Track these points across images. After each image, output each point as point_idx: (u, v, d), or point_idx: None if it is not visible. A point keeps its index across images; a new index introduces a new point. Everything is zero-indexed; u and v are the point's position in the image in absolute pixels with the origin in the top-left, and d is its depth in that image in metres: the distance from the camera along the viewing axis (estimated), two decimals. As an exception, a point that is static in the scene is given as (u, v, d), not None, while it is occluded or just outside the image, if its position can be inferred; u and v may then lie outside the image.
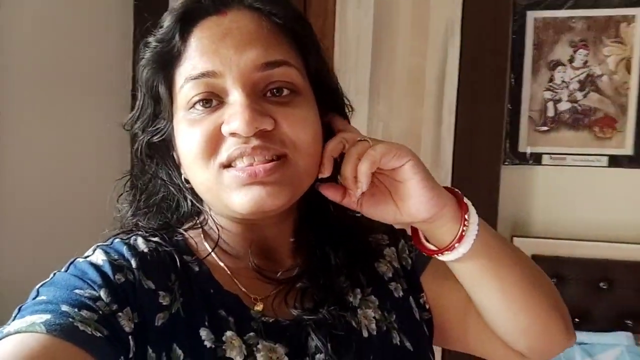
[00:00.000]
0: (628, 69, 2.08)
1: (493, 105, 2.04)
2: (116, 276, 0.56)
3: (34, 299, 0.54)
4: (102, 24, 2.04)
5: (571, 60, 2.12)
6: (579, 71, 2.12)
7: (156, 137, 0.65)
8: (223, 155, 0.58)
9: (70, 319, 0.50)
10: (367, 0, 2.01)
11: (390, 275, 0.73)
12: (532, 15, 2.11)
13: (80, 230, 1.94)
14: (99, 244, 0.62)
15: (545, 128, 2.15)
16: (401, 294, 0.72)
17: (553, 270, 2.00)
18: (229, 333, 0.59)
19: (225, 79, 0.58)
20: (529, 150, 2.15)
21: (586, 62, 2.11)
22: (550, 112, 2.14)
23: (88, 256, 0.60)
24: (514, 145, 2.15)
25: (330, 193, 0.63)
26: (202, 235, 0.67)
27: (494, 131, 2.04)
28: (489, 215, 2.01)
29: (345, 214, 0.70)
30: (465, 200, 0.65)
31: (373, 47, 2.00)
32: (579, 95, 2.12)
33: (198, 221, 0.68)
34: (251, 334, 0.60)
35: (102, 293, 0.54)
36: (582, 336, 1.84)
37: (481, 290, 0.69)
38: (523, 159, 2.15)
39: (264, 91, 0.60)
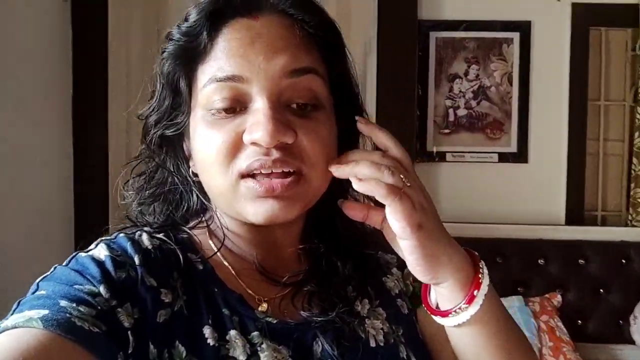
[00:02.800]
0: (510, 81, 2.50)
1: (405, 112, 2.38)
2: (117, 272, 0.55)
3: (33, 293, 0.53)
4: (42, 28, 2.05)
5: (466, 74, 2.51)
6: (472, 83, 2.51)
7: (170, 131, 0.63)
8: (242, 164, 0.57)
9: (68, 315, 0.49)
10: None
11: (397, 291, 0.72)
12: (434, 36, 2.48)
13: (27, 232, 1.98)
14: (102, 238, 0.60)
15: (448, 131, 2.52)
16: (407, 311, 0.71)
17: (458, 250, 2.35)
18: (232, 332, 0.57)
19: (252, 85, 0.56)
20: (435, 149, 2.50)
21: (478, 75, 2.50)
22: (451, 117, 2.52)
23: (90, 250, 0.58)
24: (423, 146, 2.50)
25: (353, 212, 0.60)
26: (207, 234, 0.65)
27: (407, 134, 2.38)
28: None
29: (354, 226, 0.69)
30: (481, 264, 0.63)
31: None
32: (473, 103, 2.51)
33: (204, 219, 0.66)
34: (255, 333, 0.58)
35: (102, 289, 0.53)
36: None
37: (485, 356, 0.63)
38: (431, 157, 2.50)
39: (288, 102, 0.58)
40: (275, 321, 0.60)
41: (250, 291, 0.62)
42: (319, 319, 0.61)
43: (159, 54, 0.63)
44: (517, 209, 2.49)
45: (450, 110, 2.52)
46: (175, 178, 0.65)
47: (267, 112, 0.55)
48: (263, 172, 0.56)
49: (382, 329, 0.65)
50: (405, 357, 0.65)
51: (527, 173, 2.52)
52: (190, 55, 0.60)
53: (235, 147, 0.57)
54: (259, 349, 0.57)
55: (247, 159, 0.57)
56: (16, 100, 1.90)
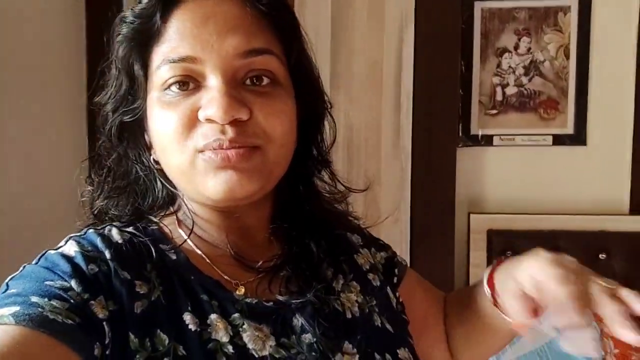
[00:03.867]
0: (567, 55, 2.24)
1: (446, 92, 2.16)
2: (89, 266, 0.55)
3: (3, 292, 0.53)
4: (56, 20, 2.03)
5: (516, 47, 2.26)
6: (523, 57, 2.26)
7: (128, 117, 0.64)
8: (199, 141, 0.58)
9: (40, 309, 0.49)
10: (325, -9, 2.10)
11: (368, 267, 0.76)
12: (479, 6, 2.24)
13: (39, 227, 1.93)
14: (71, 235, 0.61)
15: (495, 111, 2.28)
16: (378, 283, 0.75)
17: (508, 243, 2.14)
18: (213, 316, 0.59)
19: (205, 65, 0.58)
20: (480, 132, 2.28)
21: (529, 48, 2.26)
22: (499, 96, 2.28)
23: (60, 247, 0.59)
24: (467, 128, 2.27)
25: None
26: (176, 223, 0.66)
27: (449, 116, 2.17)
28: (447, 194, 2.14)
29: (321, 207, 0.73)
30: None
31: (332, 39, 2.08)
32: (524, 79, 2.27)
33: (173, 209, 0.67)
34: (235, 315, 0.60)
35: (73, 283, 0.53)
36: (536, 301, 1.98)
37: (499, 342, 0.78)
38: (475, 141, 2.28)
39: (243, 79, 0.59)
40: (254, 302, 0.62)
41: (226, 277, 0.64)
42: (297, 300, 0.64)
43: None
44: (575, 197, 2.24)
45: (498, 89, 2.28)
46: (138, 167, 0.66)
47: (222, 88, 0.57)
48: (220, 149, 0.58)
49: (356, 300, 0.70)
50: (379, 324, 0.70)
51: (586, 157, 2.26)
52: (144, 38, 0.61)
53: (191, 124, 0.58)
54: (240, 329, 0.59)
55: (204, 138, 0.58)
56: (30, 92, 1.86)
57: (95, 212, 0.69)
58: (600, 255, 2.12)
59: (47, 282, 0.53)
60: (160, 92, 0.60)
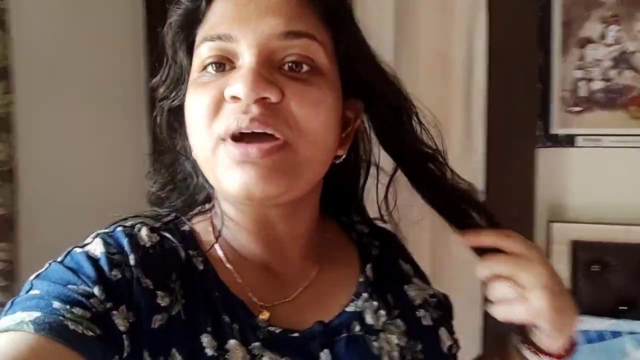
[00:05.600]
0: (663, 44, 2.00)
1: (524, 87, 1.97)
2: (112, 272, 0.54)
3: (27, 291, 0.52)
4: (114, 24, 2.00)
5: (603, 37, 2.04)
6: (611, 48, 2.04)
7: (175, 103, 0.63)
8: (221, 126, 0.55)
9: (61, 317, 0.48)
10: (388, -22, 1.94)
11: (420, 302, 0.69)
12: (559, -9, 2.04)
13: (101, 226, 1.92)
14: (100, 231, 0.59)
15: (578, 108, 2.06)
16: (430, 322, 0.68)
17: (595, 256, 1.93)
18: (232, 341, 0.56)
19: (240, 43, 0.55)
20: (561, 131, 2.07)
21: (619, 38, 2.03)
22: (583, 92, 2.06)
23: (86, 245, 0.57)
24: (546, 127, 2.07)
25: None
26: (209, 225, 0.63)
27: (526, 114, 1.97)
28: (526, 201, 1.94)
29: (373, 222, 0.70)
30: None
31: (395, 27, 1.92)
32: (612, 73, 2.04)
33: (208, 207, 0.65)
34: (256, 344, 0.57)
35: (96, 290, 0.52)
36: (631, 325, 1.76)
37: None
38: (555, 141, 2.07)
39: (280, 63, 0.56)
40: (278, 330, 0.59)
41: (252, 297, 0.60)
42: (329, 328, 0.60)
43: None
44: (673, 205, 1.98)
45: (582, 83, 2.05)
46: (185, 161, 0.65)
47: (251, 66, 0.54)
48: (243, 131, 0.53)
49: (397, 344, 0.63)
50: None
51: (684, 160, 2.00)
52: (190, 21, 0.60)
53: (217, 105, 0.55)
54: None
55: (226, 119, 0.55)
56: (92, 90, 1.85)
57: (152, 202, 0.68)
58: (702, 273, 1.85)
59: (70, 286, 0.51)
60: (197, 74, 0.58)
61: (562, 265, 1.94)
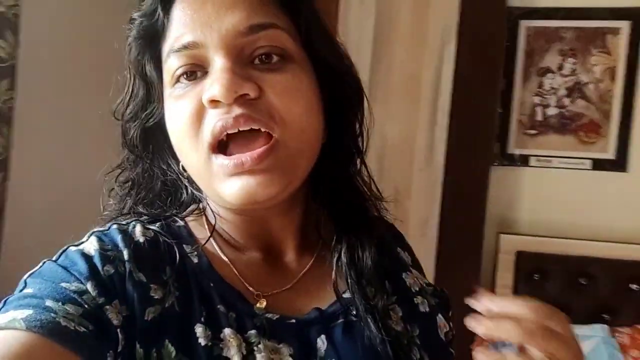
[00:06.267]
0: (612, 78, 2.19)
1: (485, 109, 2.15)
2: (105, 267, 0.53)
3: (20, 290, 0.51)
4: (114, 29, 2.07)
5: (560, 68, 2.22)
6: (567, 78, 2.22)
7: (150, 122, 0.60)
8: (207, 133, 0.53)
9: (53, 314, 0.47)
10: (369, 5, 2.11)
11: (417, 288, 0.67)
12: (524, 24, 2.21)
13: (82, 225, 1.98)
14: (95, 230, 0.58)
15: (534, 132, 2.25)
16: (427, 309, 0.66)
17: (536, 266, 2.12)
18: (227, 330, 0.54)
19: (207, 48, 0.54)
20: (517, 152, 2.25)
21: (574, 70, 2.21)
22: (539, 116, 2.25)
23: (81, 243, 0.56)
24: (503, 147, 2.25)
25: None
26: (203, 221, 0.62)
27: (485, 134, 2.15)
28: (477, 212, 2.13)
29: (362, 209, 0.66)
30: None
31: (372, 51, 2.09)
32: (566, 101, 2.23)
33: (200, 206, 0.63)
34: (252, 331, 0.55)
35: (89, 286, 0.51)
36: (561, 328, 1.96)
37: None
38: (511, 161, 2.26)
39: (250, 58, 0.55)
40: (275, 317, 0.57)
41: (248, 286, 0.59)
42: (326, 314, 0.59)
43: None
44: (611, 224, 2.19)
45: (539, 109, 2.25)
46: (169, 175, 0.62)
47: (223, 66, 0.52)
48: (229, 132, 0.52)
49: (394, 329, 0.61)
50: (418, 359, 0.61)
51: (626, 184, 2.21)
52: (151, 35, 0.58)
53: (199, 114, 0.54)
54: (255, 349, 0.54)
55: (209, 126, 0.53)
56: (89, 98, 1.86)
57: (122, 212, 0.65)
58: (631, 285, 2.07)
59: (63, 284, 0.50)
60: (171, 88, 0.56)
61: (508, 274, 2.15)
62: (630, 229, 2.18)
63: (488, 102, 2.16)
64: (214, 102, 0.52)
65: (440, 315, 0.67)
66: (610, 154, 2.21)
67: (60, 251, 0.55)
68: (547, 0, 2.20)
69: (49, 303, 0.48)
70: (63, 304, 0.48)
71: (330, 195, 0.65)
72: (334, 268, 0.63)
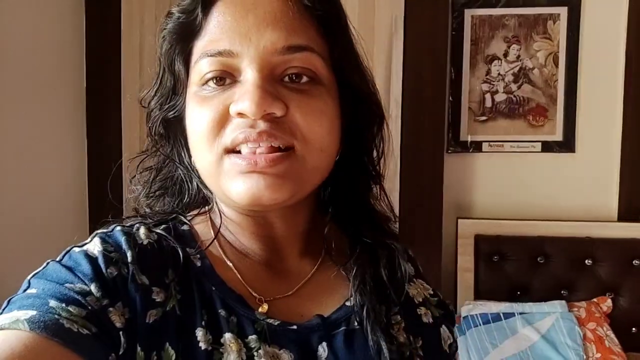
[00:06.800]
0: (556, 63, 2.27)
1: (436, 98, 2.19)
2: (108, 269, 0.53)
3: (24, 290, 0.51)
4: (55, 21, 2.05)
5: (506, 55, 2.29)
6: (512, 64, 2.29)
7: (171, 114, 0.62)
8: (227, 138, 0.55)
9: (57, 316, 0.47)
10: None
11: (420, 300, 0.67)
12: (469, 13, 2.27)
13: (42, 225, 1.98)
14: (99, 231, 0.59)
15: (484, 118, 2.31)
16: (430, 320, 0.66)
17: (495, 248, 2.17)
18: (227, 335, 0.54)
19: (242, 59, 0.55)
20: (469, 138, 2.31)
21: (519, 56, 2.28)
22: (488, 103, 2.31)
23: (85, 244, 0.57)
24: (456, 135, 2.30)
25: None
26: (208, 224, 0.63)
27: (437, 122, 2.19)
28: (435, 200, 2.16)
29: (370, 222, 0.67)
30: None
31: (358, 39, 2.10)
32: (513, 86, 2.29)
33: (207, 209, 0.64)
34: (253, 336, 0.55)
35: (93, 287, 0.51)
36: (522, 307, 2.01)
37: None
38: (464, 147, 2.31)
39: (281, 76, 0.56)
40: (276, 323, 0.57)
41: (251, 290, 0.59)
42: (328, 321, 0.59)
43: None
44: (563, 204, 2.27)
45: (487, 95, 2.31)
46: (179, 167, 0.64)
47: (256, 82, 0.53)
48: (249, 145, 0.54)
49: (396, 339, 0.61)
50: None
51: (575, 164, 2.29)
52: (186, 32, 0.59)
53: (222, 120, 0.55)
54: (255, 354, 0.54)
55: (232, 132, 0.54)
56: (30, 92, 1.89)
57: (139, 210, 0.66)
58: (586, 261, 2.14)
59: (66, 285, 0.51)
60: (197, 87, 0.57)
61: (468, 257, 2.19)
62: (580, 207, 2.26)
63: (438, 91, 2.20)
64: (241, 115, 0.54)
65: (444, 327, 0.67)
66: (558, 136, 2.28)
67: (64, 251, 0.56)
68: (488, -12, 2.27)
69: (52, 304, 0.48)
70: (66, 305, 0.49)
71: (343, 209, 0.67)
72: (343, 275, 0.64)
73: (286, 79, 0.56)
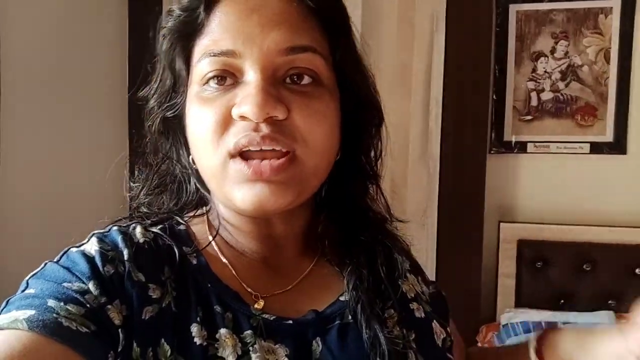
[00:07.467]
0: (607, 59, 2.15)
1: (478, 97, 2.12)
2: (105, 267, 0.53)
3: (22, 291, 0.52)
4: (98, 27, 2.07)
5: (553, 51, 2.19)
6: (560, 62, 2.19)
7: (170, 112, 0.62)
8: (230, 142, 0.55)
9: (55, 315, 0.48)
10: (355, -3, 2.07)
11: (413, 295, 0.68)
12: (514, 9, 2.18)
13: (78, 228, 2.00)
14: (95, 231, 0.59)
15: (529, 117, 2.22)
16: (422, 315, 0.67)
17: (539, 254, 2.08)
18: (223, 330, 0.55)
19: (245, 59, 0.55)
20: (514, 138, 2.22)
21: (567, 52, 2.18)
22: (534, 102, 2.21)
23: (82, 244, 0.57)
24: (499, 135, 2.22)
25: None
26: (206, 224, 0.63)
27: (480, 121, 2.12)
28: (476, 202, 2.09)
29: (366, 220, 0.68)
30: None
31: (361, 43, 2.05)
32: (561, 85, 2.19)
33: (205, 210, 0.64)
34: (248, 332, 0.56)
35: (91, 285, 0.51)
36: (566, 316, 1.92)
37: None
38: (508, 148, 2.22)
39: (284, 76, 0.56)
40: (272, 318, 0.57)
41: (247, 287, 0.59)
42: (322, 316, 0.60)
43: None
44: (613, 208, 2.15)
45: (533, 94, 2.21)
46: (177, 166, 0.64)
47: (259, 84, 0.53)
48: (252, 149, 0.54)
49: (390, 332, 0.61)
50: None
51: (626, 166, 2.17)
52: (187, 30, 0.58)
53: (225, 122, 0.55)
54: (250, 348, 0.54)
55: (235, 136, 0.54)
56: (74, 95, 1.91)
57: (140, 209, 0.66)
58: (636, 270, 2.03)
59: (65, 284, 0.51)
60: (199, 87, 0.57)
61: (509, 262, 2.11)
62: (631, 212, 2.14)
63: (481, 89, 2.12)
64: (243, 117, 0.54)
65: (435, 322, 0.67)
66: (608, 136, 2.17)
67: (62, 252, 0.56)
68: (536, -18, 2.17)
69: (51, 303, 0.49)
70: (65, 303, 0.49)
71: (340, 207, 0.67)
72: (337, 271, 0.65)
73: (288, 80, 0.56)
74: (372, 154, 0.67)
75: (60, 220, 1.81)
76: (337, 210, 0.68)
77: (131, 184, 0.68)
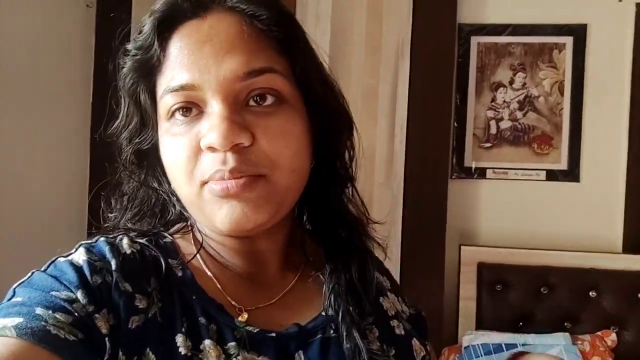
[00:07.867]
0: (561, 91, 2.26)
1: (440, 124, 2.18)
2: (93, 277, 0.54)
3: (9, 299, 0.52)
4: (64, 34, 2.06)
5: (511, 82, 2.29)
6: (518, 92, 2.28)
7: (145, 145, 0.63)
8: (204, 174, 0.56)
9: (43, 323, 0.48)
10: (324, 22, 2.13)
11: (393, 313, 0.69)
12: (475, 40, 2.27)
13: (41, 232, 1.95)
14: (83, 242, 0.59)
15: (489, 144, 2.30)
16: (402, 332, 0.68)
17: (498, 277, 2.13)
18: (207, 341, 0.56)
19: (205, 91, 0.55)
20: (474, 164, 2.29)
21: (525, 84, 2.28)
22: (493, 130, 2.29)
23: (70, 254, 0.57)
24: (460, 160, 2.28)
25: None
26: (190, 238, 0.65)
27: (442, 147, 2.18)
28: (438, 225, 2.13)
29: (352, 218, 0.69)
30: None
31: (330, 66, 2.10)
32: (519, 114, 2.28)
33: (188, 223, 0.66)
34: (232, 343, 0.56)
35: (79, 294, 0.52)
36: (525, 338, 1.96)
37: None
38: (469, 173, 2.29)
39: (246, 99, 0.57)
40: (255, 330, 0.58)
41: (231, 300, 0.60)
42: (305, 330, 0.61)
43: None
44: (567, 233, 2.24)
45: (492, 122, 2.30)
46: (159, 193, 0.65)
47: (222, 113, 0.55)
48: (224, 180, 0.55)
49: (370, 348, 0.62)
50: None
51: (579, 193, 2.26)
52: (146, 69, 0.60)
53: (195, 155, 0.56)
54: (234, 359, 0.56)
55: (207, 170, 0.56)
56: (32, 94, 1.89)
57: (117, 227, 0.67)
58: (590, 293, 2.10)
59: (53, 293, 0.51)
60: (167, 122, 0.59)
61: (470, 285, 2.15)
62: (584, 237, 2.23)
63: (443, 116, 2.19)
64: (211, 148, 0.55)
65: (415, 340, 0.69)
66: (563, 164, 2.26)
67: (49, 262, 0.57)
68: (495, 17, 2.27)
69: (39, 311, 0.49)
70: (53, 312, 0.49)
71: (318, 219, 0.69)
72: (321, 286, 0.65)
73: (251, 102, 0.57)
74: (347, 156, 0.68)
75: (22, 227, 1.78)
76: (315, 217, 0.69)
77: (109, 214, 0.67)
